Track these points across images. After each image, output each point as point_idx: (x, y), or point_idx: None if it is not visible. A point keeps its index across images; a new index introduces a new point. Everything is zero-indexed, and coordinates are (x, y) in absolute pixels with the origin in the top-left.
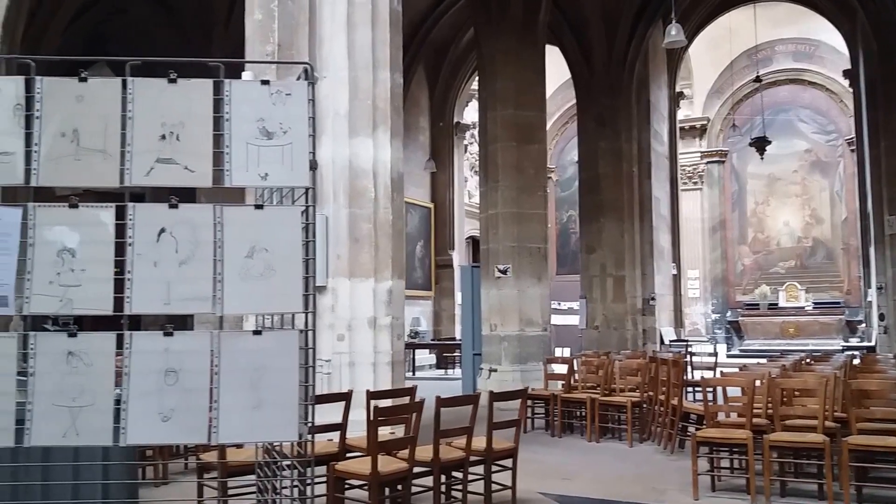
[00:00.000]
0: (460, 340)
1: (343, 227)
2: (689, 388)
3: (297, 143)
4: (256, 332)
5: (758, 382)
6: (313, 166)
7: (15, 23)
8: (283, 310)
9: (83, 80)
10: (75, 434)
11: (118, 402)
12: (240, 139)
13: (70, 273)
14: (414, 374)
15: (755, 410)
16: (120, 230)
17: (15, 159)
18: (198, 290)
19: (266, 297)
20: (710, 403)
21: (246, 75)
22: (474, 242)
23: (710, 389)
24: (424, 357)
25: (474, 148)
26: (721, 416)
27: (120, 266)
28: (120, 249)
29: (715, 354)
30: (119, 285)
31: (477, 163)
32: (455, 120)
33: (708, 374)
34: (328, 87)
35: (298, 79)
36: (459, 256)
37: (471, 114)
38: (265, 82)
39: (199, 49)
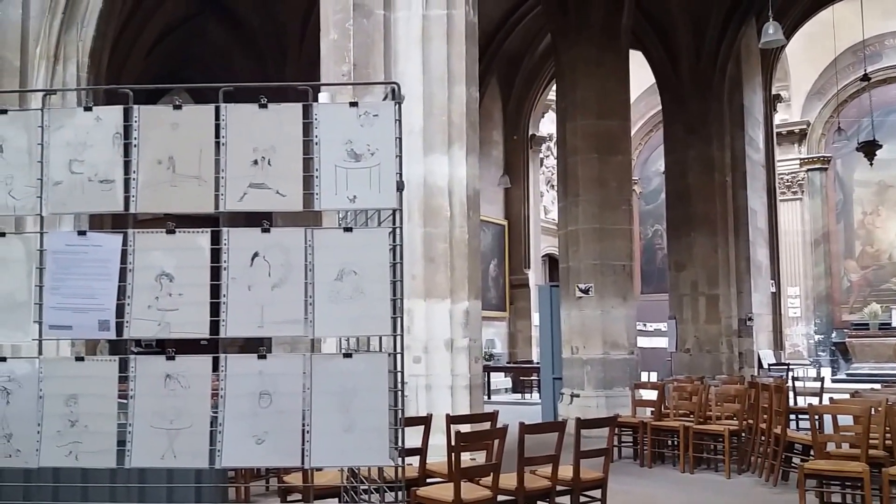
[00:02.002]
0: (538, 363)
1: (418, 247)
2: (792, 416)
3: (384, 164)
4: (347, 355)
5: (873, 410)
6: (400, 187)
7: (101, 51)
8: (372, 332)
9: (178, 107)
10: (173, 456)
11: (212, 424)
12: (329, 162)
13: (168, 297)
14: (489, 398)
15: (871, 441)
16: (214, 254)
17: (115, 187)
18: (290, 313)
19: (355, 319)
20: (818, 433)
21: (322, 97)
22: (551, 260)
23: (818, 417)
24: (500, 380)
25: (550, 161)
26: (830, 447)
27: (214, 290)
28: (214, 273)
29: (821, 379)
30: (214, 309)
31: (553, 177)
32: (530, 132)
33: (813, 401)
34: (403, 104)
35: (385, 99)
36: (535, 275)
37: (546, 126)
38: (353, 104)
39: (274, 70)
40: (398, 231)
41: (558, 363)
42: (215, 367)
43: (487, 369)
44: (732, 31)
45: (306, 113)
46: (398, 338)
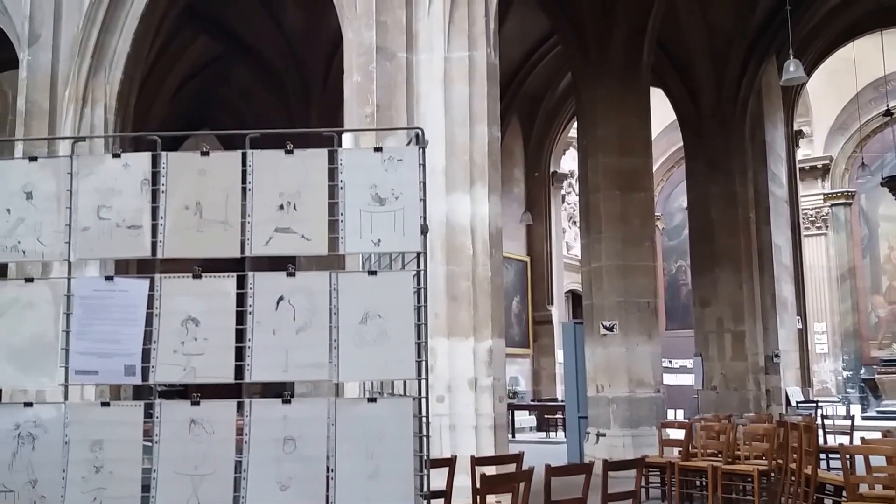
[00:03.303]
0: (563, 401)
1: (440, 285)
2: (823, 455)
3: (408, 208)
4: (371, 400)
5: None
6: (424, 231)
7: (128, 94)
8: (397, 376)
9: (205, 154)
10: (197, 503)
11: (236, 469)
12: (353, 206)
13: (193, 342)
14: (514, 437)
15: None
16: (239, 299)
17: (142, 232)
18: (314, 357)
19: (379, 363)
20: (851, 473)
21: (346, 140)
22: (574, 297)
23: (849, 457)
24: (524, 419)
25: (572, 198)
26: (863, 489)
27: (239, 334)
28: (239, 318)
29: (850, 417)
30: (238, 353)
31: (575, 213)
32: (551, 170)
33: (843, 440)
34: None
35: (409, 144)
36: (559, 312)
37: (568, 163)
38: (378, 149)
39: (298, 110)
40: (422, 274)
41: (583, 401)
42: (239, 411)
43: (511, 407)
44: (753, 68)
45: (331, 158)
46: (423, 382)
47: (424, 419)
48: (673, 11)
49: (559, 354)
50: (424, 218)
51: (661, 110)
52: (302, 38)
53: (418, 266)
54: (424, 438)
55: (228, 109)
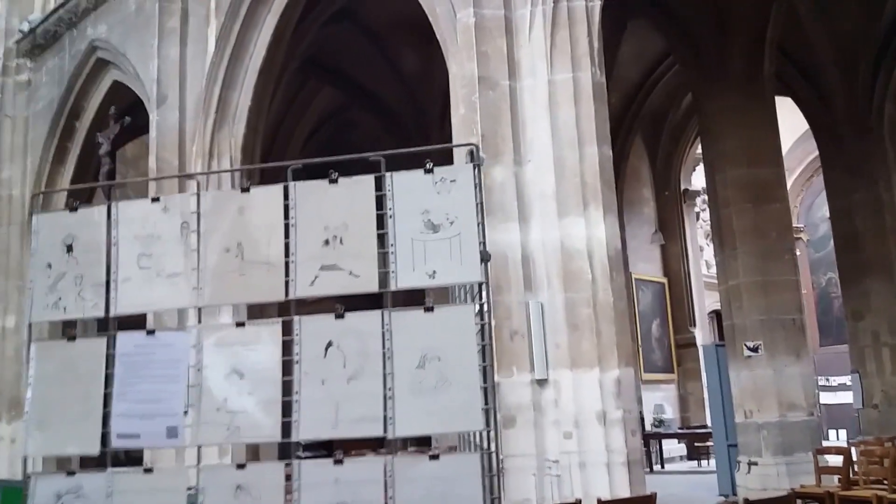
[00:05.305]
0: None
1: (560, 314)
2: None
3: (465, 233)
4: (433, 457)
5: None
6: (485, 258)
7: (253, 145)
8: (460, 428)
9: (245, 190)
10: None
11: None
12: (404, 236)
13: (237, 398)
14: (663, 468)
15: None
16: (286, 346)
17: (182, 280)
18: (367, 409)
19: (441, 413)
20: None
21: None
22: (718, 317)
23: None
24: (673, 447)
25: (706, 215)
26: None
27: (286, 386)
28: (286, 368)
29: None
30: (286, 407)
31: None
32: (682, 187)
33: None
34: (534, 169)
35: (465, 162)
36: (703, 333)
37: (700, 179)
38: (428, 171)
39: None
40: (486, 307)
41: (732, 428)
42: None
43: (658, 436)
44: (886, 69)
45: (378, 185)
46: (491, 433)
47: (495, 478)
48: (795, 18)
49: (705, 378)
50: (484, 244)
51: (795, 119)
52: (418, 80)
53: (481, 298)
54: (497, 501)
55: (356, 153)
